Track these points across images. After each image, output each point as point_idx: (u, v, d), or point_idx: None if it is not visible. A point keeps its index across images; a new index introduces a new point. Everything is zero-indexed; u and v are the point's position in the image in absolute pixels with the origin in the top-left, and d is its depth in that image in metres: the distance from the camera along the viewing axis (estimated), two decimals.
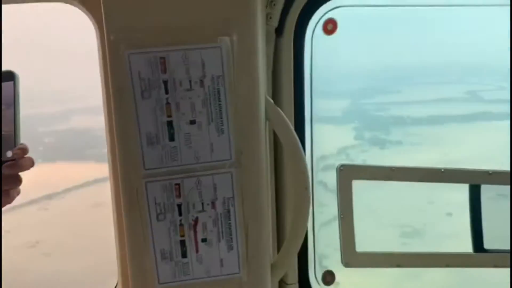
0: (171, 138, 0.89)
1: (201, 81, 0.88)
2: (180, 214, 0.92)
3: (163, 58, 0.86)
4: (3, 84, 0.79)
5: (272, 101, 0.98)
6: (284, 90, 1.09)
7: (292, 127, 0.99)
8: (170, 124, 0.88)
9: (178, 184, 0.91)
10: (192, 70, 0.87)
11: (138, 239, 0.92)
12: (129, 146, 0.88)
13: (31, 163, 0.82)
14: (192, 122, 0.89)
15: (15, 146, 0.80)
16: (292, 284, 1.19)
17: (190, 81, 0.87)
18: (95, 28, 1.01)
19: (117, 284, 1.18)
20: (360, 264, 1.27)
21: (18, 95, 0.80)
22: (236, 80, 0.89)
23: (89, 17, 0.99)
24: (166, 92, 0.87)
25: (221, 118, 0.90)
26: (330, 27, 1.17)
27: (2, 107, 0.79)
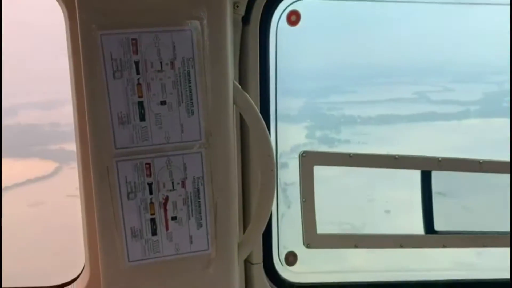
0: (142, 118, 0.91)
1: (172, 63, 0.91)
2: (150, 193, 0.94)
3: (135, 39, 0.88)
4: None
5: (239, 86, 1.02)
6: (251, 77, 1.14)
7: (258, 112, 1.04)
8: (141, 104, 0.91)
9: (149, 164, 0.93)
10: (163, 52, 0.90)
11: (108, 218, 0.94)
12: (100, 126, 0.90)
13: None
14: (163, 102, 0.92)
15: None
16: (257, 264, 1.24)
17: (161, 63, 0.90)
18: (62, 10, 1.01)
19: (84, 266, 1.18)
20: (320, 245, 1.34)
21: None
22: (206, 63, 0.92)
23: (59, 4, 1.00)
24: (138, 73, 0.89)
25: (191, 99, 0.93)
26: (293, 18, 1.23)
27: None
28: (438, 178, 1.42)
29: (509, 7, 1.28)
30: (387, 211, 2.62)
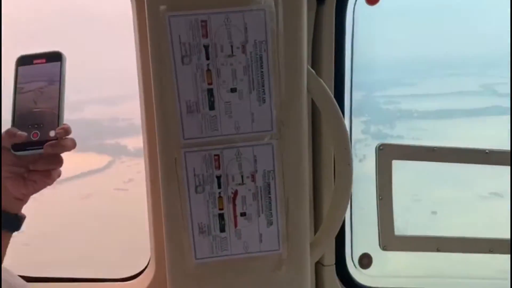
0: (211, 107, 0.85)
1: (243, 47, 0.84)
2: (219, 187, 0.88)
3: (205, 21, 0.82)
4: (50, 64, 0.80)
5: (313, 71, 0.93)
6: (325, 61, 1.05)
7: (334, 100, 0.95)
8: (210, 91, 0.85)
9: (218, 155, 0.87)
10: (234, 35, 0.83)
11: (175, 212, 0.89)
12: (168, 115, 0.85)
13: (73, 144, 0.81)
14: (233, 90, 0.85)
15: (58, 126, 0.77)
16: (329, 265, 1.15)
17: (231, 46, 0.83)
18: None
19: (149, 260, 1.16)
20: (398, 247, 1.22)
21: (64, 76, 0.79)
22: (280, 47, 0.84)
23: None
24: (207, 58, 0.83)
25: (263, 86, 0.85)
26: None
27: (46, 83, 0.80)
28: None
29: None
30: (434, 212, 2.43)
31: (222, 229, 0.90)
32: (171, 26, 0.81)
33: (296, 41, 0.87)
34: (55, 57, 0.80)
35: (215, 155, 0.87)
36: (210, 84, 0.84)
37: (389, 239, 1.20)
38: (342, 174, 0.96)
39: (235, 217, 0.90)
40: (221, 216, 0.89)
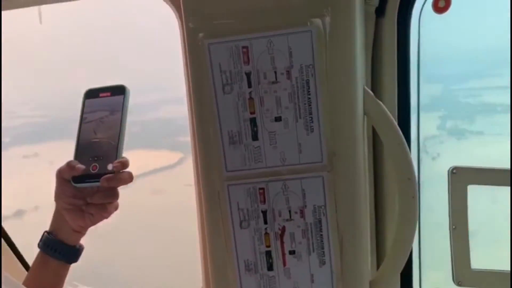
0: (255, 137, 0.79)
1: (288, 72, 0.77)
2: (265, 222, 0.82)
3: (246, 47, 0.76)
4: (114, 97, 0.82)
5: (371, 92, 0.84)
6: (386, 80, 0.94)
7: (396, 124, 0.84)
8: (253, 121, 0.79)
9: (263, 189, 0.81)
10: (278, 60, 0.76)
11: (220, 247, 0.84)
12: (210, 146, 0.80)
13: (129, 178, 0.80)
14: (278, 119, 0.78)
15: (116, 159, 0.77)
16: None
17: (275, 73, 0.77)
18: (176, 17, 0.95)
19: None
20: (475, 283, 1.07)
21: (126, 109, 0.80)
22: (329, 70, 0.76)
23: (169, 5, 0.93)
24: (249, 86, 0.78)
25: (311, 114, 0.78)
26: (442, 3, 0.98)
27: (107, 113, 0.82)
28: None
29: None
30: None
31: (270, 268, 0.84)
32: (211, 54, 0.77)
33: (348, 61, 0.78)
34: (119, 91, 0.82)
35: (260, 188, 0.81)
36: (252, 113, 0.79)
37: (465, 274, 1.05)
38: (407, 207, 0.85)
39: (283, 255, 0.83)
40: (268, 254, 0.83)
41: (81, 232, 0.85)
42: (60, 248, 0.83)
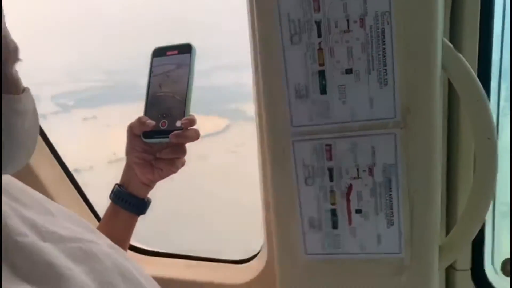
0: (323, 91, 0.75)
1: (362, 20, 0.72)
2: (331, 180, 0.79)
3: None
4: (181, 55, 0.82)
5: (451, 45, 0.77)
6: (467, 33, 0.86)
7: (477, 79, 0.77)
8: (322, 74, 0.75)
9: (330, 145, 0.78)
10: (351, 6, 0.71)
11: (285, 204, 0.83)
12: (275, 100, 0.78)
13: (196, 135, 0.82)
14: (348, 71, 0.74)
15: (184, 116, 0.79)
16: (463, 270, 0.99)
17: (347, 21, 0.72)
18: None
19: (261, 247, 1.13)
20: None
21: (193, 68, 0.81)
22: (407, 18, 0.70)
23: None
24: (319, 36, 0.73)
25: (385, 66, 0.73)
26: None
27: (173, 67, 0.83)
28: None
29: None
30: None
31: (335, 226, 0.81)
32: (279, 2, 0.73)
33: (428, 10, 0.71)
34: (186, 49, 0.82)
35: (326, 145, 0.78)
36: (321, 65, 0.75)
37: None
38: (484, 169, 0.79)
39: (349, 213, 0.80)
40: (333, 212, 0.81)
41: (150, 185, 0.88)
42: (130, 200, 0.86)
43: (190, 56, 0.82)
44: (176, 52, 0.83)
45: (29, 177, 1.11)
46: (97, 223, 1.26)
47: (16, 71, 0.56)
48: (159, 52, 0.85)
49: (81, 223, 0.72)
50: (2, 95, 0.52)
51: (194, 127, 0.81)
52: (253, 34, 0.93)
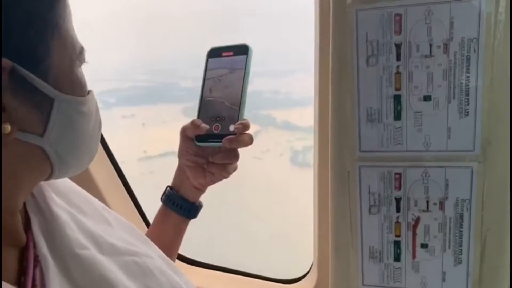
0: (397, 117, 0.72)
1: (446, 45, 0.67)
2: (397, 210, 0.75)
3: (399, 15, 0.68)
4: (237, 57, 0.79)
5: None
6: None
7: None
8: (397, 98, 0.71)
9: (399, 174, 0.74)
10: (435, 31, 0.67)
11: (344, 229, 0.79)
12: (344, 122, 0.75)
13: (250, 140, 0.79)
14: (427, 98, 0.70)
15: (238, 121, 0.76)
16: None
17: (430, 45, 0.68)
18: None
19: (311, 267, 1.10)
20: None
21: (249, 70, 0.78)
22: (497, 44, 0.66)
23: None
24: (398, 59, 0.70)
25: (467, 95, 0.68)
26: None
27: (227, 72, 0.80)
28: None
29: None
30: None
31: (397, 259, 0.77)
32: (358, 21, 0.70)
33: None
34: (242, 50, 0.79)
35: (396, 173, 0.74)
36: (398, 89, 0.71)
37: None
38: None
39: (414, 247, 0.76)
40: (396, 244, 0.77)
41: (201, 189, 0.86)
42: (181, 203, 0.84)
43: (247, 58, 0.78)
44: (231, 53, 0.80)
45: (83, 178, 1.12)
46: (145, 228, 1.26)
47: (82, 73, 0.56)
48: (214, 53, 0.82)
49: (135, 232, 0.72)
50: (69, 96, 0.52)
51: (247, 132, 0.78)
52: (321, 51, 0.91)
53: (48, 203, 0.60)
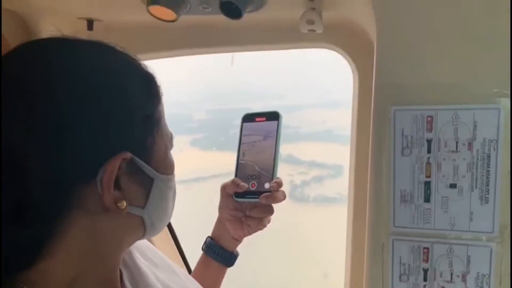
0: (427, 199, 0.84)
1: (470, 144, 0.81)
2: (425, 280, 0.86)
3: (431, 116, 0.82)
4: (269, 122, 0.91)
5: None
6: None
7: None
8: (427, 184, 0.84)
9: (427, 248, 0.85)
10: (461, 131, 0.81)
11: None
12: (381, 201, 0.87)
13: (283, 197, 0.90)
14: (453, 186, 0.83)
15: (272, 180, 0.87)
16: None
17: (457, 142, 0.82)
18: (354, 75, 1.04)
19: None
20: None
21: (280, 134, 0.89)
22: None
23: (350, 66, 1.03)
24: (429, 152, 0.83)
25: (488, 186, 0.81)
26: None
27: (261, 138, 0.91)
28: None
29: None
30: None
31: None
32: (395, 119, 0.84)
33: None
34: (274, 116, 0.90)
35: (424, 247, 0.86)
36: (428, 177, 0.84)
37: None
38: None
39: None
40: None
41: (239, 240, 0.97)
42: (220, 252, 0.95)
43: (278, 123, 0.88)
44: (264, 118, 0.90)
45: None
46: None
47: (171, 154, 0.69)
48: (248, 118, 0.92)
49: (191, 279, 0.83)
50: (164, 176, 0.65)
51: (281, 189, 0.89)
52: (357, 135, 1.04)
53: (133, 258, 0.73)
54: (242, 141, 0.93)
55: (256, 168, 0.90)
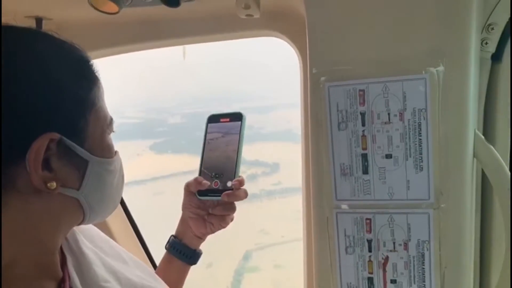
0: (365, 171, 0.87)
1: (401, 114, 0.84)
2: (369, 250, 0.89)
3: (362, 90, 0.85)
4: (232, 123, 0.95)
5: (482, 136, 0.87)
6: (499, 125, 0.95)
7: (507, 169, 0.86)
8: (364, 156, 0.86)
9: (369, 219, 0.88)
10: (392, 103, 0.84)
11: (326, 269, 0.92)
12: (322, 176, 0.90)
13: (245, 195, 0.93)
14: (388, 156, 0.85)
15: (234, 178, 0.90)
16: None
17: (388, 114, 0.84)
18: (298, 60, 1.07)
19: None
20: None
21: (243, 135, 0.93)
22: (441, 114, 0.82)
23: (294, 50, 1.06)
24: (363, 124, 0.86)
25: (421, 154, 0.83)
26: None
27: (226, 136, 0.94)
28: None
29: None
30: None
31: None
32: (330, 95, 0.87)
33: (461, 106, 0.82)
34: (237, 117, 0.94)
35: (366, 218, 0.88)
36: (364, 149, 0.86)
37: None
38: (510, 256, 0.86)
39: (384, 283, 0.88)
40: (370, 280, 0.89)
41: (202, 238, 1.00)
42: (184, 251, 0.98)
43: (241, 123, 0.92)
44: (228, 119, 0.94)
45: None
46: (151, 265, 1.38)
47: (110, 139, 0.71)
48: (213, 118, 0.96)
49: (146, 270, 0.85)
50: (99, 158, 0.67)
51: (243, 187, 0.92)
52: (305, 118, 1.07)
53: (79, 244, 0.75)
54: (206, 141, 0.96)
55: (219, 166, 0.93)
